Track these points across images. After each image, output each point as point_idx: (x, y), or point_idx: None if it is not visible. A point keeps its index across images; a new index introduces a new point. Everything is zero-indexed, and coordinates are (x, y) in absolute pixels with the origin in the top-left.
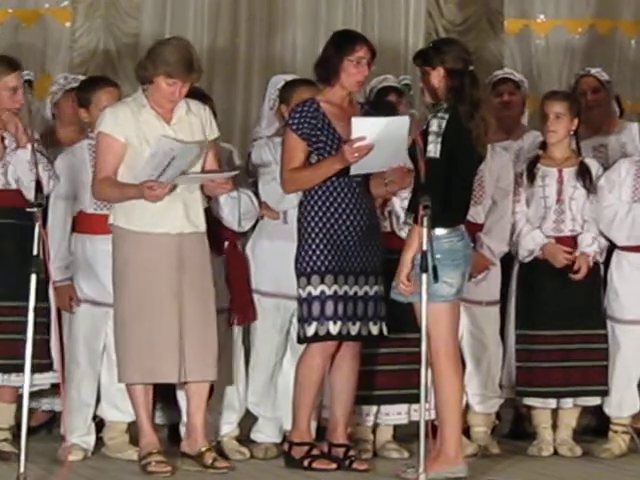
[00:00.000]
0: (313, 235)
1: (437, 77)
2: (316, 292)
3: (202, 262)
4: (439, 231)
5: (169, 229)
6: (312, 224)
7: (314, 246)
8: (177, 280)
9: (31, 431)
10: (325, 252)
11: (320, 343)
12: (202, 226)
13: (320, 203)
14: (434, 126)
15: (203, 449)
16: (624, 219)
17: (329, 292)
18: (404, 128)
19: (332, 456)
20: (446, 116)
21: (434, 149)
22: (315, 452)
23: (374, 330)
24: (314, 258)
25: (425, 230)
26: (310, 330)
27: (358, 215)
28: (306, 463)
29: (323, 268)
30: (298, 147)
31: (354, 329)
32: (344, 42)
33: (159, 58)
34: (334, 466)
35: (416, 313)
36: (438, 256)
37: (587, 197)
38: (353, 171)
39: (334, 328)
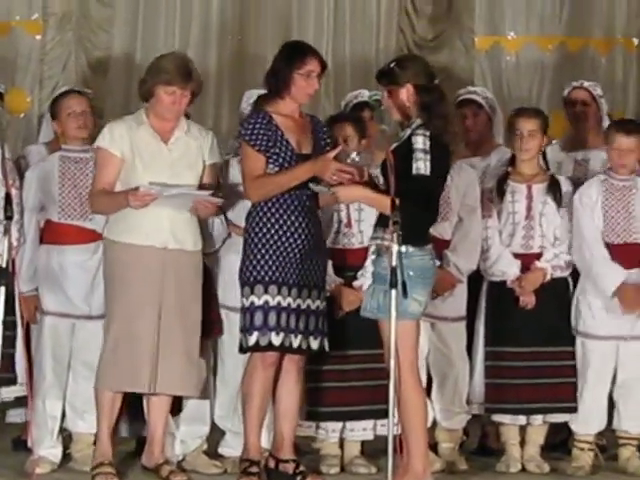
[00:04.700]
0: (260, 245)
1: (405, 94)
2: (259, 302)
3: (187, 279)
4: (412, 248)
5: (153, 242)
6: (259, 234)
7: (259, 256)
8: (159, 293)
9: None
10: (270, 262)
11: (260, 354)
12: (190, 245)
13: (269, 214)
14: (419, 143)
15: (160, 461)
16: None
17: (273, 302)
18: None
19: (281, 472)
20: (427, 133)
21: (424, 166)
22: (251, 469)
23: (314, 345)
24: (258, 268)
25: (395, 246)
26: (252, 340)
27: (306, 229)
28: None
29: (267, 278)
30: (257, 159)
31: (296, 342)
32: (294, 55)
33: (157, 68)
34: None
35: (382, 329)
36: (411, 273)
37: (557, 211)
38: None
39: (277, 339)
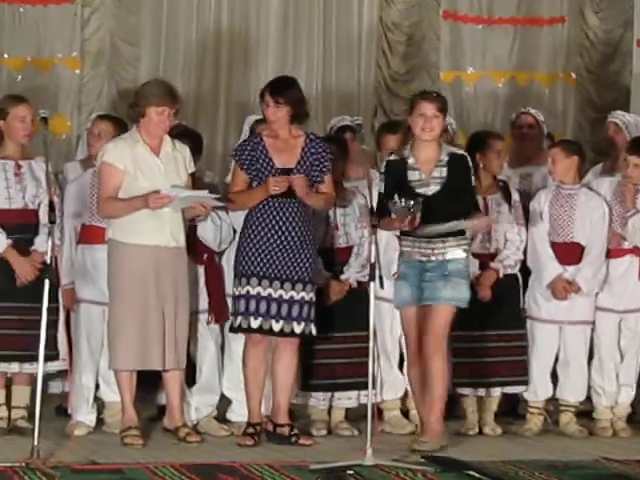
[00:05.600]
0: (245, 244)
1: (444, 122)
2: (243, 291)
3: (181, 271)
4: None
5: (158, 242)
6: (246, 234)
7: (244, 253)
8: (161, 285)
9: (65, 412)
10: (252, 258)
11: (249, 335)
12: (182, 242)
13: (255, 218)
14: (470, 162)
15: (179, 424)
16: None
17: (253, 292)
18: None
19: (278, 434)
20: None
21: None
22: (249, 430)
23: (297, 329)
24: (243, 263)
25: (373, 246)
26: (236, 323)
27: (292, 231)
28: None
29: (249, 272)
30: (239, 175)
31: (277, 326)
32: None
33: (147, 93)
34: (250, 442)
35: (436, 312)
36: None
37: (510, 212)
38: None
39: (255, 323)
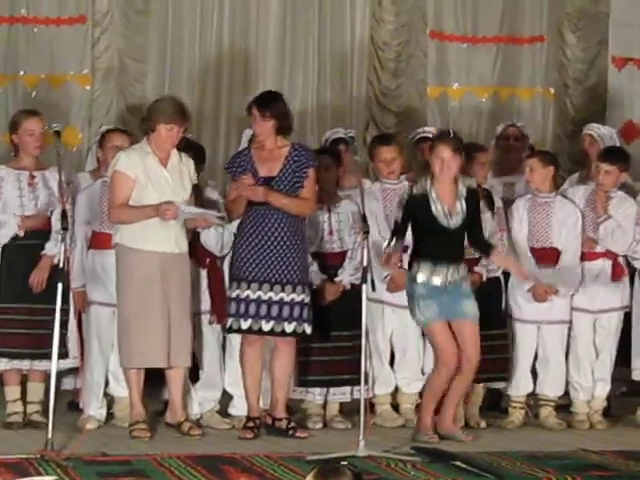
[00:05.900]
0: (235, 249)
1: (461, 159)
2: (234, 295)
3: (184, 276)
4: None
5: (164, 249)
6: (237, 240)
7: (234, 258)
8: (167, 288)
9: (77, 407)
10: (241, 264)
11: (245, 336)
12: (185, 249)
13: (245, 224)
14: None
15: (181, 419)
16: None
17: (243, 295)
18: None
19: (276, 427)
20: None
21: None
22: (248, 424)
23: (288, 329)
24: (234, 267)
25: (366, 251)
26: (228, 324)
27: (279, 236)
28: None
29: (240, 276)
30: (231, 185)
31: (267, 326)
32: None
33: (159, 110)
34: (250, 436)
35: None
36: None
37: (492, 219)
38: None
39: (245, 324)
